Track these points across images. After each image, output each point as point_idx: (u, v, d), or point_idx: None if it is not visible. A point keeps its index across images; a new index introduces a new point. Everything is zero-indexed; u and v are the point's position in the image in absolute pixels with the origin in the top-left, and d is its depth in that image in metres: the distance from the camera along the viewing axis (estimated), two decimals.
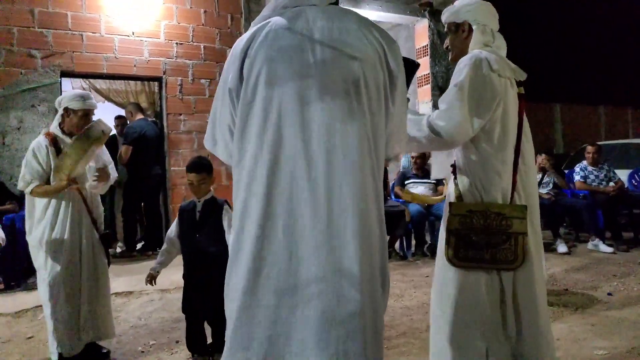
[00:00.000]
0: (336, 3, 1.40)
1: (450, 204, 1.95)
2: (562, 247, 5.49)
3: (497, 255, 1.84)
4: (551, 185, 6.09)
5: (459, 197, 1.95)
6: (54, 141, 2.76)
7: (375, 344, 1.28)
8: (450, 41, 2.08)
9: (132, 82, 6.28)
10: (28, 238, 2.82)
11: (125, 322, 3.54)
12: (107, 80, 6.19)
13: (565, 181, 6.24)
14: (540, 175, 6.10)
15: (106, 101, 6.46)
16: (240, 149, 1.31)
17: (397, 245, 5.59)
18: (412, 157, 5.87)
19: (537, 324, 1.87)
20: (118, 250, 5.67)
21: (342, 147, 1.25)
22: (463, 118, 1.82)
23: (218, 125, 1.42)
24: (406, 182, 5.80)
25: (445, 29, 2.10)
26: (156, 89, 6.24)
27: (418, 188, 5.65)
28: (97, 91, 6.30)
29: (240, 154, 1.31)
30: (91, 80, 6.12)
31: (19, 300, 4.09)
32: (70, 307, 2.72)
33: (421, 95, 7.19)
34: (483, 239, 1.86)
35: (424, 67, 6.98)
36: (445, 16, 2.07)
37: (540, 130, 10.38)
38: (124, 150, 5.49)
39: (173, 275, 4.47)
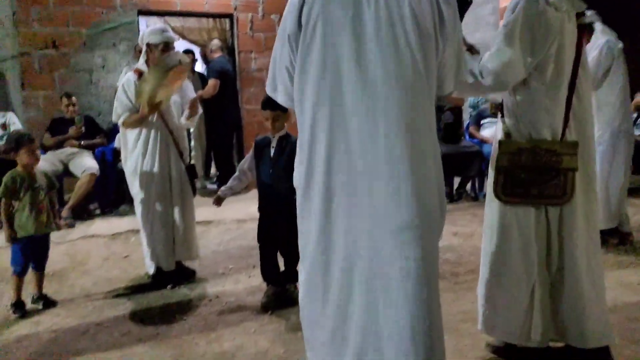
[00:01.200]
0: None
1: (500, 142, 1.96)
2: None
3: (545, 190, 1.87)
4: None
5: (507, 135, 1.95)
6: (141, 76, 2.99)
7: (431, 255, 1.39)
8: None
9: (204, 20, 6.40)
10: (124, 167, 3.14)
11: (206, 248, 3.87)
12: (181, 18, 6.34)
13: None
14: (635, 115, 5.67)
15: (181, 39, 6.66)
16: (301, 90, 1.41)
17: (469, 186, 5.57)
18: None
19: (577, 259, 1.89)
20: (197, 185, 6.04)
21: (395, 82, 1.32)
22: (513, 59, 1.79)
23: (278, 71, 1.51)
24: (482, 121, 5.65)
25: None
26: (227, 26, 6.34)
27: (493, 128, 5.51)
28: (172, 29, 6.50)
29: (301, 96, 1.41)
30: (166, 18, 6.30)
31: (113, 224, 4.56)
32: (164, 229, 3.05)
33: None
34: (531, 176, 1.88)
35: None
36: None
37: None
38: (212, 84, 5.48)
39: (249, 207, 4.77)
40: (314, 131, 1.39)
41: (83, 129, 4.99)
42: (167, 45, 3.04)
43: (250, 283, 3.11)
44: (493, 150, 2.01)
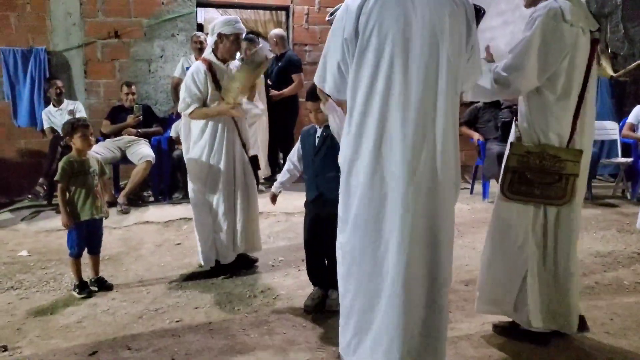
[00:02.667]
0: None
1: (511, 144, 2.14)
2: None
3: (548, 192, 2.07)
4: None
5: (519, 138, 2.12)
6: (209, 67, 2.98)
7: (446, 211, 1.75)
8: None
9: (261, 12, 6.44)
10: (186, 157, 3.12)
11: None
12: (238, 10, 6.40)
13: None
14: None
15: None
16: (355, 85, 1.70)
17: None
18: None
19: (572, 256, 2.14)
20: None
21: (434, 82, 1.65)
22: (528, 69, 1.96)
23: (329, 64, 1.77)
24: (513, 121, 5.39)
25: None
26: (283, 18, 6.33)
27: None
28: None
29: (354, 89, 1.71)
30: (225, 9, 6.37)
31: (166, 212, 4.66)
32: (227, 220, 3.05)
33: None
34: (537, 177, 2.07)
35: None
36: None
37: None
38: (300, 80, 5.52)
39: (296, 200, 4.78)
40: (363, 119, 1.69)
41: (141, 117, 5.12)
42: (238, 37, 3.03)
43: (299, 277, 3.08)
44: (506, 151, 2.19)
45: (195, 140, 3.06)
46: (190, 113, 2.99)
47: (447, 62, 1.65)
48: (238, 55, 3.40)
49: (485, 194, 5.18)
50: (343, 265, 1.84)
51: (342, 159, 1.79)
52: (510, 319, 2.27)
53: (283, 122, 5.61)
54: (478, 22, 2.06)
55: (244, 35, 3.09)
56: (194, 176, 3.08)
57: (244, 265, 3.22)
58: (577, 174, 2.06)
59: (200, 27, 6.26)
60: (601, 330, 2.36)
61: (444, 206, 1.72)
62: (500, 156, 4.90)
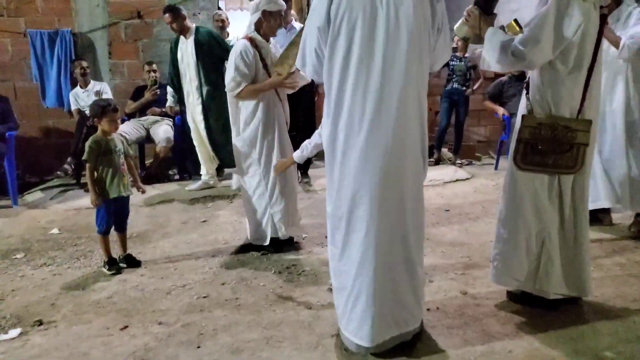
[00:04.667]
0: None
1: (523, 116, 2.19)
2: None
3: (559, 161, 2.15)
4: None
5: (530, 110, 2.19)
6: (255, 44, 2.96)
7: (413, 181, 1.92)
8: None
9: None
10: (236, 139, 3.10)
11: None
12: None
13: None
14: None
15: None
16: (330, 69, 1.84)
17: None
18: None
19: (585, 221, 2.24)
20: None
21: (400, 64, 1.77)
22: (544, 43, 2.03)
23: (308, 51, 1.91)
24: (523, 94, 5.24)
25: None
26: None
27: None
28: None
29: (330, 72, 1.84)
30: None
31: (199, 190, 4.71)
32: (285, 197, 3.07)
33: None
34: (549, 147, 2.14)
35: None
36: None
37: None
38: None
39: (319, 178, 4.79)
40: (339, 102, 1.84)
41: (158, 92, 5.12)
42: (281, 14, 3.02)
43: (323, 253, 3.08)
44: (517, 123, 2.24)
45: (246, 121, 3.02)
46: (240, 92, 2.94)
47: (412, 45, 1.77)
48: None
49: None
50: (333, 232, 1.98)
51: (324, 138, 1.94)
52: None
53: (301, 107, 5.50)
54: (496, 1, 2.25)
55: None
56: (247, 158, 3.06)
57: (288, 242, 3.25)
58: (587, 143, 2.15)
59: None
60: (633, 305, 2.33)
61: (411, 179, 1.89)
62: None
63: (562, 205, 2.22)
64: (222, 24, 5.48)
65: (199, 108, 4.47)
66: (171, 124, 5.17)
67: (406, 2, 1.75)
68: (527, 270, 2.26)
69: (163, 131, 5.02)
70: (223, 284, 2.70)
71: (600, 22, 2.13)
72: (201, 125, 4.52)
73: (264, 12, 2.94)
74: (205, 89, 4.41)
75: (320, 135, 2.67)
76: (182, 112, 5.28)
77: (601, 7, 2.14)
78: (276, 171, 2.94)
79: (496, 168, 5.43)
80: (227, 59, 4.02)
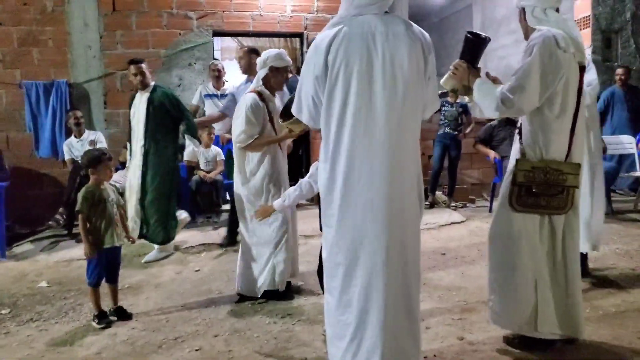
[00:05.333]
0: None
1: (517, 160, 2.30)
2: None
3: (552, 203, 2.24)
4: None
5: (523, 154, 2.29)
6: (262, 98, 3.06)
7: (413, 229, 1.92)
8: (520, 24, 2.43)
9: (275, 39, 6.53)
10: (241, 190, 3.11)
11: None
12: (252, 38, 6.50)
13: None
14: None
15: None
16: (328, 116, 1.86)
17: None
18: None
19: (576, 261, 2.31)
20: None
21: (396, 113, 1.82)
22: (530, 91, 2.15)
23: (304, 98, 1.94)
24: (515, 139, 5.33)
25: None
26: (298, 45, 6.42)
27: None
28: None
29: (327, 119, 1.87)
30: (239, 38, 6.48)
31: (187, 238, 4.65)
32: (289, 246, 3.10)
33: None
34: (542, 190, 2.23)
35: (585, 8, 6.21)
36: (515, 1, 2.42)
37: None
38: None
39: (314, 223, 4.76)
40: (336, 148, 1.85)
41: None
42: (287, 70, 3.15)
43: (320, 301, 3.01)
44: (509, 167, 2.34)
45: (252, 171, 3.06)
46: (250, 144, 3.01)
47: (407, 93, 1.82)
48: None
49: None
50: (330, 279, 1.95)
51: (321, 182, 1.94)
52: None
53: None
54: (483, 49, 2.37)
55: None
56: (252, 207, 3.06)
57: (291, 290, 3.22)
58: (577, 185, 2.26)
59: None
60: (627, 349, 2.29)
61: (410, 225, 1.89)
62: None
63: (554, 245, 2.27)
64: (218, 74, 5.60)
65: (139, 172, 4.11)
66: None
67: (400, 52, 1.81)
68: (526, 312, 2.25)
69: None
70: (216, 336, 2.62)
71: (580, 72, 2.27)
72: (135, 190, 4.14)
73: (272, 68, 3.06)
74: (146, 151, 4.09)
75: (305, 187, 2.70)
76: (178, 161, 5.31)
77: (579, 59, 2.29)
78: (257, 217, 2.95)
79: (490, 210, 5.44)
80: (183, 122, 4.22)
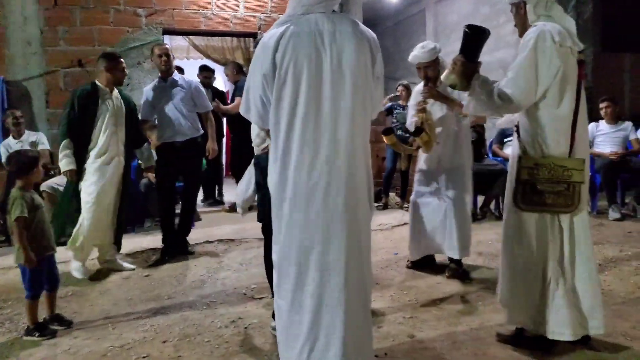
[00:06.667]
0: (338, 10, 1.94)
1: (519, 157, 2.26)
2: None
3: (558, 200, 2.20)
4: None
5: (524, 151, 2.26)
6: None
7: (364, 226, 1.91)
8: (515, 20, 2.37)
9: (228, 39, 6.44)
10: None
11: (228, 267, 3.80)
12: (205, 37, 6.38)
13: None
14: None
15: (205, 58, 6.70)
16: (277, 115, 1.83)
17: (492, 204, 5.42)
18: None
19: (591, 259, 2.25)
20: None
21: (345, 113, 1.81)
22: (527, 86, 2.14)
23: (252, 97, 1.91)
24: (505, 140, 5.53)
25: (510, 10, 2.38)
26: (251, 46, 6.35)
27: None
28: (196, 48, 6.55)
29: (277, 119, 1.84)
30: (191, 37, 6.35)
31: (135, 242, 4.52)
32: None
33: None
34: (547, 187, 2.19)
35: None
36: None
37: None
38: (238, 102, 5.30)
39: None
40: (286, 148, 1.82)
41: None
42: None
43: (272, 304, 2.99)
44: (511, 166, 2.32)
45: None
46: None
47: (356, 92, 1.82)
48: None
49: None
50: (281, 280, 1.91)
51: (270, 185, 1.91)
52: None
53: (239, 149, 5.48)
54: (482, 43, 2.32)
55: None
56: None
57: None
58: (583, 181, 2.21)
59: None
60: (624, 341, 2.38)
61: (363, 223, 1.89)
62: (474, 173, 5.01)
63: (562, 244, 2.24)
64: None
65: (121, 171, 3.78)
66: None
67: (348, 51, 1.80)
68: (536, 310, 2.25)
69: None
70: (165, 342, 2.54)
71: (578, 66, 2.24)
72: (114, 192, 3.75)
73: None
74: (126, 151, 3.84)
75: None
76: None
77: (579, 52, 2.26)
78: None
79: None
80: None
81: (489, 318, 2.71)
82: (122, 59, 3.78)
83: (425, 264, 3.62)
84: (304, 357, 1.83)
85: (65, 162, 3.53)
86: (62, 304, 3.00)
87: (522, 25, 2.33)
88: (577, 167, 2.20)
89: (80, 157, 3.61)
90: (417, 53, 3.33)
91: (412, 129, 3.45)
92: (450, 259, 3.45)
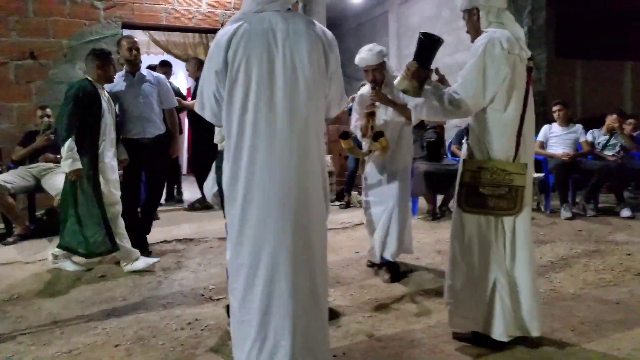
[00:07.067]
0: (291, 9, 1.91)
1: (464, 160, 2.33)
2: (625, 212, 5.26)
3: (500, 203, 2.25)
4: (618, 147, 5.77)
5: (471, 154, 2.32)
6: None
7: (318, 225, 1.90)
8: (466, 26, 2.42)
9: (190, 35, 6.31)
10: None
11: (185, 267, 3.72)
12: (166, 33, 6.24)
13: (633, 143, 5.89)
14: (607, 137, 5.79)
15: (166, 53, 6.54)
16: (229, 113, 1.83)
17: (451, 203, 5.52)
18: None
19: (531, 261, 2.30)
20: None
21: (297, 110, 1.80)
22: (476, 91, 2.19)
23: (206, 95, 1.90)
24: (464, 140, 5.65)
25: (463, 16, 2.42)
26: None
27: None
28: (156, 43, 6.40)
29: (229, 117, 1.83)
30: (151, 32, 6.19)
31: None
32: None
33: None
34: (488, 191, 2.25)
35: None
36: (459, 5, 2.39)
37: (607, 90, 9.73)
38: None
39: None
40: (238, 147, 1.81)
41: (52, 137, 4.75)
42: None
43: None
44: (459, 168, 2.37)
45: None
46: None
47: (309, 90, 1.82)
48: None
49: (414, 210, 5.34)
50: (233, 280, 1.90)
51: (223, 183, 1.90)
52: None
53: (201, 149, 5.32)
54: (436, 51, 2.36)
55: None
56: None
57: None
58: (524, 185, 2.26)
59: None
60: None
61: (316, 223, 1.88)
62: (427, 174, 5.12)
63: (505, 247, 2.29)
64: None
65: (115, 165, 3.74)
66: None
67: (301, 50, 1.80)
68: (482, 312, 2.30)
69: (61, 181, 4.61)
70: (117, 346, 2.46)
71: (527, 74, 2.30)
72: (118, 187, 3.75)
73: None
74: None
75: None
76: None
77: (529, 59, 2.31)
78: None
79: None
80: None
81: (446, 316, 2.74)
82: (112, 56, 3.75)
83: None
84: (252, 358, 1.82)
85: (71, 162, 3.40)
86: (6, 308, 2.87)
87: (474, 31, 2.37)
88: (519, 171, 2.25)
89: (92, 155, 3.50)
90: (365, 56, 3.30)
91: (357, 132, 3.43)
92: (386, 262, 3.40)
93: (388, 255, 3.33)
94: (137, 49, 4.03)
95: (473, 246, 2.31)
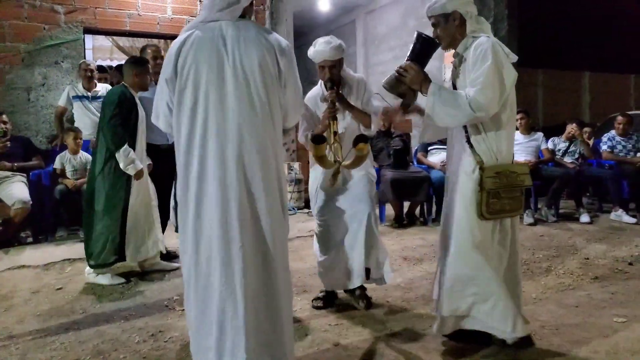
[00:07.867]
0: (242, 17, 1.89)
1: (482, 167, 2.21)
2: (584, 217, 5.44)
3: (513, 205, 2.27)
4: (577, 154, 5.97)
5: (481, 161, 2.22)
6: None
7: (277, 239, 1.87)
8: (441, 31, 2.27)
9: (155, 40, 6.22)
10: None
11: (149, 279, 3.63)
12: (130, 38, 6.14)
13: (591, 151, 6.10)
14: (567, 144, 5.99)
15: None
16: (178, 122, 1.83)
17: (417, 211, 5.59)
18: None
19: (519, 262, 2.36)
20: None
21: (248, 117, 1.79)
22: (495, 94, 2.11)
23: (160, 104, 1.92)
24: (429, 148, 5.74)
25: (433, 21, 2.28)
26: None
27: (441, 154, 5.58)
28: (120, 49, 6.29)
29: (178, 125, 1.83)
30: (114, 37, 6.08)
31: (47, 253, 4.22)
32: None
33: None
34: (507, 194, 2.23)
35: None
36: (432, 9, 2.25)
37: (567, 99, 10.09)
38: None
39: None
40: (188, 158, 1.80)
41: (8, 144, 4.58)
42: (323, 66, 2.87)
43: None
44: (464, 176, 2.25)
45: (311, 163, 3.05)
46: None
47: (260, 101, 1.81)
48: None
49: (382, 217, 5.39)
50: (189, 291, 1.88)
51: (177, 193, 1.90)
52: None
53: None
54: (433, 53, 2.25)
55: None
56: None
57: None
58: (530, 185, 2.35)
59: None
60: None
61: (272, 233, 1.84)
62: (393, 182, 5.16)
63: (505, 246, 2.28)
64: (90, 74, 5.16)
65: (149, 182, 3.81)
66: (25, 180, 4.64)
67: (251, 57, 1.80)
68: (491, 315, 2.26)
69: (18, 190, 4.44)
70: None
71: None
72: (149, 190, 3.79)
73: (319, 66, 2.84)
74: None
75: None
76: (40, 167, 4.82)
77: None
78: None
79: None
80: None
81: (412, 323, 2.76)
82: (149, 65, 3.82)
83: None
84: None
85: (133, 166, 3.46)
86: None
87: (451, 37, 2.24)
88: (525, 172, 2.31)
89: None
90: (322, 48, 2.74)
91: (306, 142, 2.89)
92: (356, 288, 2.97)
93: (357, 282, 2.86)
94: (162, 58, 4.05)
95: (482, 252, 2.21)
